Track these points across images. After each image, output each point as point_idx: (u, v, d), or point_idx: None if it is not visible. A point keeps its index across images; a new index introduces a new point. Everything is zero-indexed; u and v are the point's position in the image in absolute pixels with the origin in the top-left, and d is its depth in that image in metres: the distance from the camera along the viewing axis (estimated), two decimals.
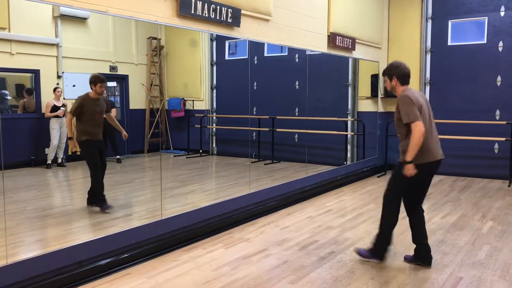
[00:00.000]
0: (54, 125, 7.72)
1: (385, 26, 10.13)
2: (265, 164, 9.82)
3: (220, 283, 3.93)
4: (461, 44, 9.51)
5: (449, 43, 9.62)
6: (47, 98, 7.70)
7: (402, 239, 5.05)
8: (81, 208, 6.11)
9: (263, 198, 6.45)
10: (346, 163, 9.56)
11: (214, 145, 10.93)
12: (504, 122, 8.58)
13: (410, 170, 3.98)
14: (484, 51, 9.15)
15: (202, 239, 5.14)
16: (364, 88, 10.09)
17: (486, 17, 9.13)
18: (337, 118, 9.96)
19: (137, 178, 8.57)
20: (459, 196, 7.51)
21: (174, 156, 10.45)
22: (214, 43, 10.82)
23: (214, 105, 10.83)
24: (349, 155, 9.89)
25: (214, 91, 10.79)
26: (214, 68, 10.82)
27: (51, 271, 3.80)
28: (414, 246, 4.37)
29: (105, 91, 5.98)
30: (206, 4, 5.37)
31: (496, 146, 9.03)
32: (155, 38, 10.15)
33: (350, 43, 8.65)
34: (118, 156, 8.79)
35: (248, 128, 8.93)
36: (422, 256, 4.32)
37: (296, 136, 10.02)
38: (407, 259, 4.43)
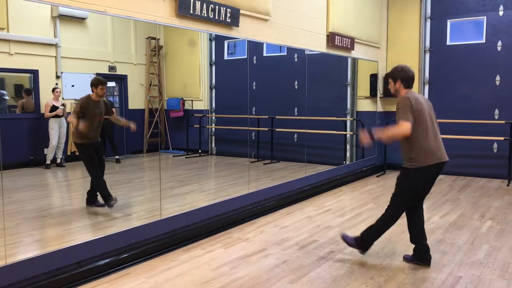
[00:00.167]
0: (53, 125, 7.72)
1: (384, 26, 10.14)
2: (264, 164, 9.82)
3: (220, 283, 3.93)
4: (460, 44, 9.52)
5: (448, 43, 9.62)
6: (46, 98, 7.69)
7: (402, 238, 5.06)
8: (80, 208, 6.10)
9: (262, 198, 6.45)
10: (345, 163, 9.56)
11: (213, 145, 10.93)
12: (503, 122, 8.59)
13: (366, 140, 4.14)
14: (483, 51, 9.16)
15: (201, 239, 5.14)
16: (363, 88, 10.09)
17: (485, 17, 9.14)
18: (336, 117, 9.96)
19: (136, 178, 8.57)
20: (458, 196, 7.52)
21: (173, 156, 10.45)
22: (213, 43, 10.82)
23: (213, 105, 10.83)
24: (348, 154, 9.90)
25: (213, 91, 10.79)
26: (213, 68, 10.82)
27: (50, 271, 3.80)
28: (413, 245, 4.38)
29: (105, 93, 6.00)
30: (204, 4, 5.36)
31: (495, 145, 9.04)
32: (154, 38, 10.15)
33: (349, 43, 8.66)
34: (117, 156, 8.79)
35: (247, 128, 8.93)
36: (421, 256, 4.32)
37: (295, 136, 10.02)
38: (406, 258, 4.44)
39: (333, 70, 10.10)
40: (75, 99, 8.00)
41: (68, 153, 7.98)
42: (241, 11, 5.99)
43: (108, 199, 5.81)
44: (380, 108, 10.20)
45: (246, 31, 6.23)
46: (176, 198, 6.83)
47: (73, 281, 3.90)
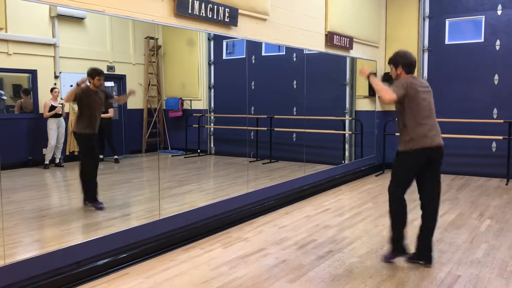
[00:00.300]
0: (51, 125, 7.70)
1: (382, 25, 10.14)
2: (263, 163, 9.82)
3: (219, 283, 3.93)
4: (458, 43, 9.53)
5: (447, 42, 9.63)
6: (44, 99, 7.68)
7: None
8: (78, 208, 6.10)
9: (261, 197, 6.45)
10: (344, 162, 9.57)
11: (212, 145, 10.92)
12: (502, 121, 8.60)
13: (365, 73, 4.38)
14: (481, 50, 9.17)
15: (200, 239, 5.14)
16: (362, 87, 10.09)
17: (483, 16, 9.14)
18: (335, 117, 9.96)
19: (135, 178, 8.56)
20: (457, 195, 7.53)
21: (172, 156, 10.44)
22: (212, 43, 10.81)
23: (212, 105, 10.82)
24: (347, 154, 9.90)
25: (212, 90, 10.78)
26: (212, 67, 10.81)
27: (49, 271, 3.80)
28: (414, 243, 4.35)
29: (103, 84, 6.01)
30: (203, 4, 5.36)
31: (494, 144, 9.05)
32: (152, 38, 10.13)
33: (347, 42, 8.66)
34: (116, 156, 8.77)
35: (246, 127, 8.92)
36: (423, 255, 4.31)
37: (294, 135, 10.02)
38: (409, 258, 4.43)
39: (332, 69, 10.09)
40: (71, 85, 7.98)
41: (67, 153, 7.97)
42: (240, 11, 5.99)
43: (96, 201, 5.84)
44: (378, 108, 10.21)
45: (245, 30, 6.22)
46: (175, 198, 6.82)
47: (72, 281, 3.89)
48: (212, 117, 10.91)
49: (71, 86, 8.10)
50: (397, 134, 4.34)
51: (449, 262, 4.40)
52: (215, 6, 5.54)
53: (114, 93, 9.55)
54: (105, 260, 4.20)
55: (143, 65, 10.22)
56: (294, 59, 9.81)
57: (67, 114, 7.76)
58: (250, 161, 9.53)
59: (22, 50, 7.54)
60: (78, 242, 4.14)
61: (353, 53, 9.06)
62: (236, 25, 5.98)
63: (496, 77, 9.03)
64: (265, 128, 9.85)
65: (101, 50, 9.18)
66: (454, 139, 8.68)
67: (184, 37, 10.57)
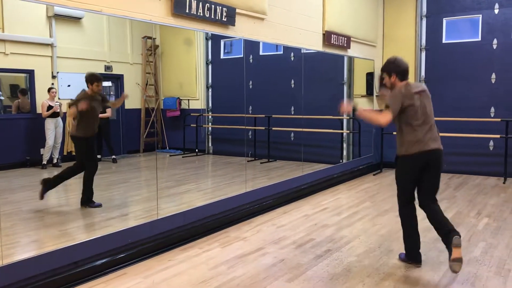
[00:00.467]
0: (49, 125, 7.68)
1: (380, 24, 10.15)
2: (261, 163, 9.82)
3: (217, 282, 3.93)
4: (455, 42, 9.55)
5: (444, 41, 9.65)
6: (41, 98, 7.66)
7: (399, 236, 5.06)
8: (76, 208, 6.08)
9: (259, 197, 6.45)
10: (342, 161, 9.57)
11: (210, 144, 10.92)
12: (499, 119, 8.62)
13: (345, 110, 4.47)
14: (478, 49, 9.19)
15: (198, 239, 5.14)
16: (360, 86, 10.10)
17: (480, 15, 9.16)
18: (333, 116, 9.96)
19: (133, 178, 8.56)
20: (455, 193, 7.54)
21: (170, 155, 10.44)
22: (209, 42, 10.80)
23: (210, 104, 10.82)
24: (344, 153, 9.91)
25: (210, 90, 10.77)
26: (210, 67, 10.81)
27: (47, 271, 3.79)
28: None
29: (101, 89, 6.03)
30: (200, 3, 5.35)
31: (491, 143, 9.07)
32: (150, 38, 10.12)
33: (345, 42, 8.66)
34: (113, 156, 8.76)
35: (244, 127, 8.92)
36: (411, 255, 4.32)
37: (292, 134, 10.02)
38: (401, 258, 4.44)
39: (330, 68, 10.10)
40: (71, 99, 7.97)
41: (65, 153, 7.95)
42: (237, 10, 5.99)
43: (92, 201, 5.87)
44: (376, 107, 10.21)
45: (242, 30, 6.22)
46: (173, 198, 6.82)
47: (70, 281, 3.89)
48: (210, 117, 10.91)
49: (69, 86, 8.11)
50: (395, 133, 4.35)
51: (447, 261, 4.38)
52: (213, 6, 5.54)
53: (111, 92, 9.55)
54: (103, 260, 4.19)
55: (141, 64, 10.20)
56: (292, 58, 9.81)
57: (65, 114, 7.75)
58: (248, 161, 9.52)
59: (19, 50, 7.52)
60: (76, 242, 4.14)
61: (350, 52, 9.07)
62: (233, 25, 5.97)
63: (493, 76, 9.05)
64: (263, 128, 9.85)
65: (99, 50, 9.17)
66: (451, 138, 8.69)
67: (182, 36, 10.56)
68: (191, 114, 10.57)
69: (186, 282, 3.96)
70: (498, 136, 8.50)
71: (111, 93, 9.60)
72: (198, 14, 5.35)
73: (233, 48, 10.76)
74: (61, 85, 8.03)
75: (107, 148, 8.50)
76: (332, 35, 8.25)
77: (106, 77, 9.05)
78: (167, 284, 3.93)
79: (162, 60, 10.63)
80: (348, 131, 9.95)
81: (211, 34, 9.43)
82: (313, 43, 7.90)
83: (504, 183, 8.42)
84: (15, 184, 7.16)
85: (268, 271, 4.20)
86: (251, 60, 10.02)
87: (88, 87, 5.79)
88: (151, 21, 4.92)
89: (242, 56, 9.23)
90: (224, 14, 5.74)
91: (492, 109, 9.04)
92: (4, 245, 4.25)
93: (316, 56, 8.78)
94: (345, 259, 4.50)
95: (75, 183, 7.12)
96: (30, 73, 7.82)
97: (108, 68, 9.23)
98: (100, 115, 6.21)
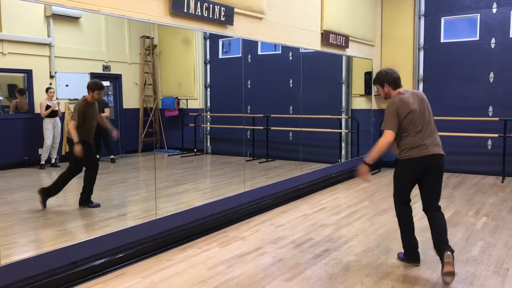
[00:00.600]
0: (47, 125, 7.67)
1: (378, 24, 10.15)
2: (259, 162, 9.82)
3: (216, 282, 3.93)
4: (453, 41, 9.56)
5: (442, 40, 9.66)
6: (40, 98, 7.65)
7: (397, 236, 5.06)
8: (75, 208, 6.08)
9: (258, 196, 6.45)
10: (341, 161, 9.58)
11: (208, 144, 10.92)
12: (497, 119, 8.63)
13: (364, 173, 4.33)
14: (476, 48, 9.20)
15: (197, 238, 5.13)
16: (358, 85, 10.11)
17: (479, 14, 9.17)
18: (331, 116, 9.97)
19: (131, 178, 8.55)
20: (453, 193, 7.55)
21: (169, 155, 10.44)
22: (208, 42, 10.80)
23: (208, 104, 10.82)
24: (343, 152, 9.91)
25: (208, 89, 10.77)
26: (208, 66, 10.81)
27: (45, 271, 3.79)
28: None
29: (102, 97, 6.13)
30: (198, 3, 5.35)
31: (489, 142, 9.08)
32: (148, 37, 10.12)
33: (343, 41, 8.66)
34: (112, 156, 8.76)
35: (242, 126, 8.93)
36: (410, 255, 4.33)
37: (291, 134, 10.03)
38: (400, 257, 4.44)
39: (328, 68, 10.10)
40: (69, 99, 7.97)
41: (63, 153, 7.94)
42: (236, 10, 5.98)
43: (90, 201, 5.92)
44: (374, 106, 10.22)
45: (241, 29, 6.22)
46: (171, 198, 6.82)
47: (69, 281, 3.88)
48: (208, 116, 10.91)
49: (67, 85, 8.11)
50: None
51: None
52: (211, 5, 5.53)
53: (110, 92, 9.53)
54: (102, 260, 4.19)
55: (139, 64, 10.21)
56: (290, 58, 9.81)
57: (63, 114, 7.74)
58: (246, 160, 9.52)
59: (17, 49, 7.51)
60: (75, 242, 4.13)
61: (349, 51, 9.07)
62: (232, 24, 5.97)
63: (492, 75, 9.06)
64: (262, 127, 9.85)
65: (97, 50, 9.16)
66: (450, 137, 8.70)
67: (180, 36, 10.56)
68: (190, 113, 10.57)
69: (184, 282, 3.96)
70: (496, 135, 8.52)
71: (110, 92, 9.60)
72: (196, 13, 5.35)
73: (232, 47, 10.76)
74: (59, 84, 8.03)
75: (106, 148, 8.50)
76: (331, 34, 8.25)
77: (104, 77, 9.05)
78: (165, 284, 3.93)
79: (160, 59, 10.63)
80: (347, 131, 9.96)
81: (209, 33, 9.43)
82: (311, 43, 7.90)
83: (502, 182, 8.43)
84: (13, 184, 7.15)
85: (266, 270, 4.20)
86: (249, 60, 10.02)
87: (88, 93, 5.84)
88: (149, 20, 4.92)
89: (240, 55, 9.25)
90: (222, 13, 5.73)
91: (490, 108, 9.05)
92: (3, 245, 4.25)
93: (314, 55, 8.79)
94: (344, 258, 4.51)
95: (74, 183, 7.12)
96: (28, 73, 7.81)
97: (106, 67, 9.23)
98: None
